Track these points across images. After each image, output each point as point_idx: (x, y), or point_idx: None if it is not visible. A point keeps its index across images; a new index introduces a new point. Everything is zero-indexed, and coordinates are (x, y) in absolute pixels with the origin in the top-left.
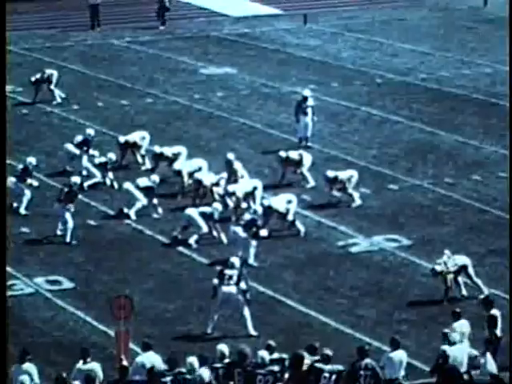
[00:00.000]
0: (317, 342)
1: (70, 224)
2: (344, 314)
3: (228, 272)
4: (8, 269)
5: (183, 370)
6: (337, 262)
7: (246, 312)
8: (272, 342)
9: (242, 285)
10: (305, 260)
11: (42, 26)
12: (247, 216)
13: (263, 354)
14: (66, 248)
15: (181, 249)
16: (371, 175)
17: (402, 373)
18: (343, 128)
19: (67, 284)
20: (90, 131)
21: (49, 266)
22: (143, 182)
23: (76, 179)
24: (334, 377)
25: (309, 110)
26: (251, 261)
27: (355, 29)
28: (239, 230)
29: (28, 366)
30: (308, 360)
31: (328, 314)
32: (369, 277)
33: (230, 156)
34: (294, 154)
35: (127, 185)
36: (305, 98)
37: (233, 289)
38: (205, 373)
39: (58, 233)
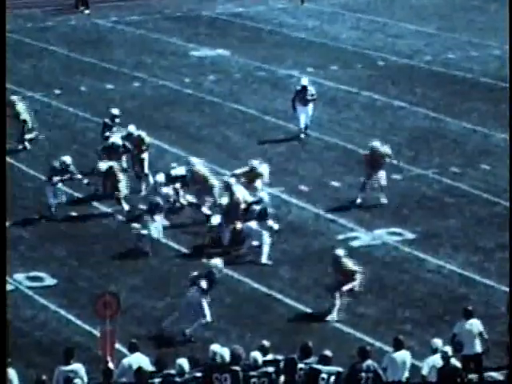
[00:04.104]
0: (315, 342)
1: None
2: (344, 313)
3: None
4: None
5: (172, 371)
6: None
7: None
8: (266, 342)
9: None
10: (302, 255)
11: (23, 6)
12: (255, 207)
13: (256, 355)
14: (48, 242)
15: (170, 243)
16: None
17: (406, 374)
18: (343, 114)
19: (49, 280)
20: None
21: (29, 261)
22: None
23: (67, 158)
24: (332, 379)
25: (309, 100)
26: (264, 259)
27: (356, 8)
28: (253, 225)
29: (8, 370)
30: (301, 364)
31: (327, 312)
32: (370, 273)
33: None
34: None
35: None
36: (303, 88)
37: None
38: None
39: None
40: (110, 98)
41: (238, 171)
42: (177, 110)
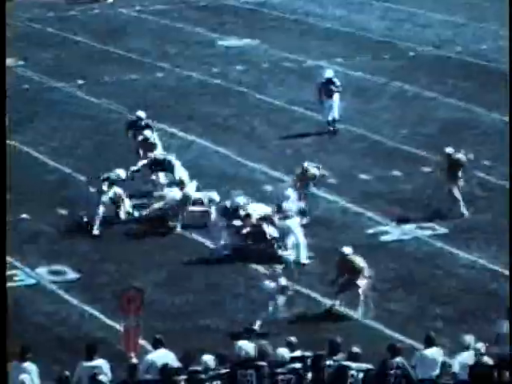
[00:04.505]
0: (343, 338)
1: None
2: (371, 310)
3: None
4: (7, 258)
5: (198, 368)
6: (365, 252)
7: None
8: (293, 339)
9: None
10: (330, 249)
11: None
12: (291, 205)
13: (283, 351)
14: (71, 236)
15: (194, 237)
16: (402, 156)
17: (437, 372)
18: (371, 105)
19: (71, 275)
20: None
21: (51, 254)
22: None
23: (120, 172)
24: (361, 375)
25: (335, 93)
26: (304, 259)
27: None
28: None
29: (28, 364)
30: (329, 360)
31: (356, 308)
32: (401, 268)
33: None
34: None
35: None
36: (328, 80)
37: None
38: None
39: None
40: (134, 89)
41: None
42: (202, 101)
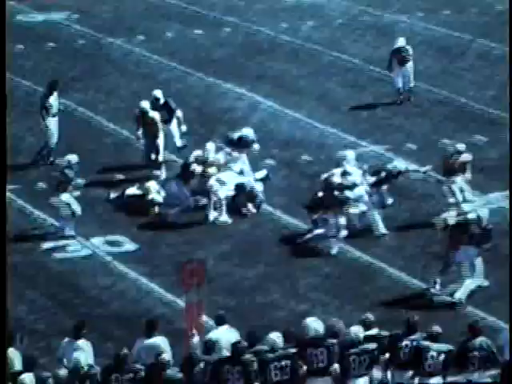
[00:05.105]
0: (421, 316)
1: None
2: (454, 285)
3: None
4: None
5: (265, 347)
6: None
7: None
8: (370, 315)
9: None
10: (409, 220)
11: None
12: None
13: (357, 329)
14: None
15: (263, 206)
16: (488, 120)
17: None
18: (456, 64)
19: (129, 246)
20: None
21: (108, 224)
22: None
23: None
24: (441, 357)
25: (408, 62)
26: (382, 229)
27: None
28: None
29: (83, 341)
30: (407, 340)
31: (435, 284)
32: None
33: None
34: None
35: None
36: (400, 48)
37: None
38: None
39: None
40: (198, 45)
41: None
42: (272, 59)
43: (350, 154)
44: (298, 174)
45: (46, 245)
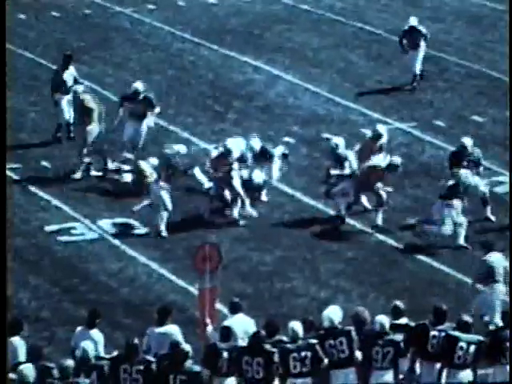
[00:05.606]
0: (451, 305)
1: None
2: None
3: None
4: (66, 209)
5: (284, 338)
6: (476, 207)
7: None
8: (400, 303)
9: None
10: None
11: None
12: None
13: (382, 319)
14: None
15: (282, 187)
16: None
17: None
18: (487, 35)
19: (139, 229)
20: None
21: (116, 205)
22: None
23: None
24: (472, 348)
25: (421, 44)
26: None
27: None
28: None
29: (95, 332)
30: (435, 331)
31: (466, 271)
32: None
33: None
34: None
35: None
36: (411, 28)
37: None
38: None
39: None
40: (212, 15)
41: None
42: (291, 30)
43: (340, 141)
44: (318, 152)
45: (51, 227)
